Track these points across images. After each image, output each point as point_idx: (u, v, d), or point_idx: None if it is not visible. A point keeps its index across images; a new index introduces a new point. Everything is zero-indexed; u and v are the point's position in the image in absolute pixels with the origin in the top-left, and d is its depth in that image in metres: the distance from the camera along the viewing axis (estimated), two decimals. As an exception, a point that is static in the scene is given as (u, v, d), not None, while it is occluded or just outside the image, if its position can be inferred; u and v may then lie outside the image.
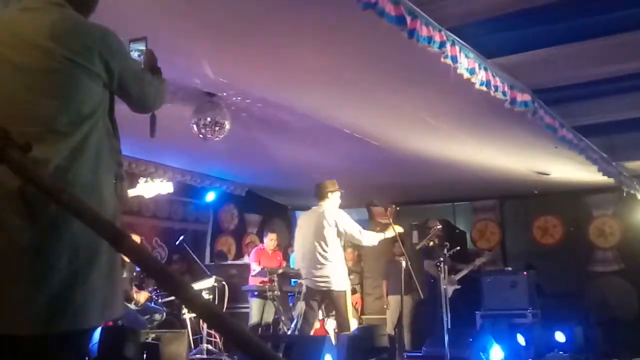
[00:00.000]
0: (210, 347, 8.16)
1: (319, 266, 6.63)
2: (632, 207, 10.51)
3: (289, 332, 8.17)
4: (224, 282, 8.68)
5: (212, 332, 8.15)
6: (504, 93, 5.51)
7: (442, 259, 7.46)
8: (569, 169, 8.84)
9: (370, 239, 6.90)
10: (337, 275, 6.66)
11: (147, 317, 7.53)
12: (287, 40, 4.97)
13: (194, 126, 6.58)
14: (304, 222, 6.98)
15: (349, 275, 7.45)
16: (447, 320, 7.24)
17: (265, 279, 8.44)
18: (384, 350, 6.61)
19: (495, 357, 7.11)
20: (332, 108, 6.70)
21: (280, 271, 8.59)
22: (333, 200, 6.86)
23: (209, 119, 6.52)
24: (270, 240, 9.66)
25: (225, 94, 6.33)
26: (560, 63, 5.81)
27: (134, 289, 7.90)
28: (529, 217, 11.63)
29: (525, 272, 9.68)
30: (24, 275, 1.95)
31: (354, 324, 7.65)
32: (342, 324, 6.75)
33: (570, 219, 11.21)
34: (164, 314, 7.93)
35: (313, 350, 5.60)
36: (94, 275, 2.05)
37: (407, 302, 9.15)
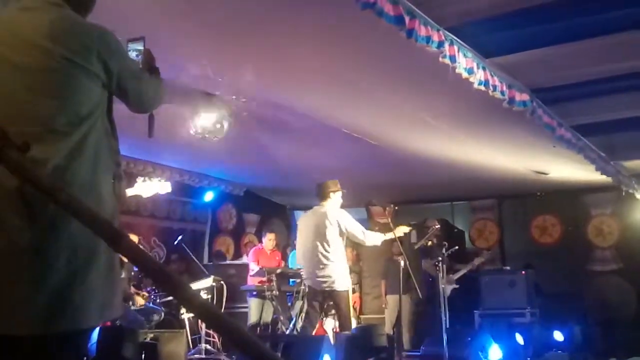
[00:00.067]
0: (208, 346, 8.15)
1: (321, 266, 6.63)
2: (631, 206, 10.53)
3: (287, 332, 8.17)
4: (222, 282, 8.68)
5: (211, 331, 8.14)
6: (502, 92, 5.52)
7: (440, 258, 7.47)
8: (568, 169, 8.85)
9: (374, 239, 6.90)
10: (339, 275, 6.67)
11: (145, 317, 7.52)
12: (286, 40, 4.97)
13: (193, 126, 6.58)
14: (305, 222, 6.98)
15: (348, 274, 7.45)
16: (446, 320, 7.24)
17: (264, 279, 8.44)
18: (383, 349, 6.61)
19: (493, 357, 7.10)
20: (331, 108, 6.70)
21: (278, 271, 8.59)
22: (335, 200, 6.86)
23: (207, 118, 6.51)
24: (268, 240, 9.66)
25: (224, 93, 6.32)
26: (558, 62, 5.81)
27: (133, 289, 7.91)
28: (528, 216, 11.65)
29: (523, 272, 9.68)
30: (23, 275, 1.95)
31: (352, 324, 7.65)
32: (344, 324, 6.75)
33: (568, 218, 11.23)
34: (162, 313, 7.92)
35: (311, 350, 5.60)
36: (93, 275, 2.05)
37: (406, 302, 9.16)
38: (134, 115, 2.45)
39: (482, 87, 5.20)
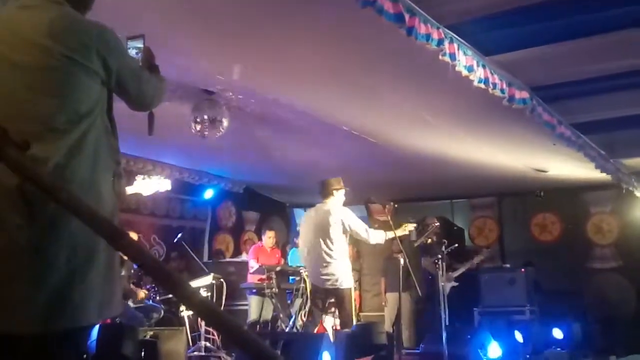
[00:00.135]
0: (208, 344, 8.15)
1: (324, 264, 6.64)
2: (630, 204, 10.53)
3: (287, 330, 8.18)
4: (222, 280, 8.68)
5: (210, 329, 8.14)
6: (502, 90, 5.51)
7: (440, 256, 7.47)
8: (567, 166, 8.85)
9: (377, 237, 6.90)
10: (343, 272, 6.68)
11: (145, 314, 7.53)
12: (286, 38, 4.96)
13: (192, 124, 6.57)
14: (308, 219, 6.97)
15: (348, 272, 7.46)
16: (445, 318, 7.25)
17: (264, 277, 8.45)
18: (382, 347, 6.61)
19: (493, 354, 7.11)
20: (331, 106, 6.70)
21: (278, 269, 8.61)
22: (338, 197, 6.87)
23: (207, 116, 6.51)
24: (268, 238, 9.66)
25: (223, 91, 6.32)
26: (558, 60, 5.81)
27: (132, 286, 7.91)
28: (527, 214, 11.64)
29: (523, 269, 9.69)
30: (23, 274, 1.95)
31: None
32: (346, 322, 6.77)
33: (568, 216, 11.22)
34: (162, 311, 7.93)
35: (311, 347, 5.60)
36: (93, 273, 2.05)
37: (406, 300, 9.16)
38: (133, 113, 2.45)
39: (482, 85, 5.20)
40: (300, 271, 8.42)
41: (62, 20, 2.12)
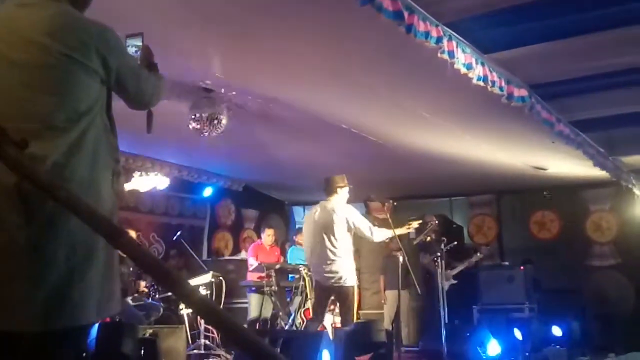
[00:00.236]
0: (207, 342, 8.17)
1: (328, 262, 6.65)
2: (629, 201, 10.53)
3: (286, 327, 8.19)
4: (221, 278, 8.69)
5: (210, 327, 8.15)
6: (500, 88, 5.51)
7: (439, 254, 7.47)
8: (566, 164, 8.85)
9: (380, 235, 6.91)
10: (346, 270, 6.70)
11: (144, 312, 7.53)
12: (285, 36, 4.96)
13: (191, 122, 6.57)
14: (312, 217, 6.97)
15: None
16: (445, 315, 7.25)
17: (263, 274, 8.46)
18: (382, 345, 6.62)
19: (492, 352, 7.12)
20: (330, 104, 6.69)
21: (277, 266, 8.62)
22: (342, 195, 6.88)
23: (205, 114, 6.51)
24: (267, 236, 9.67)
25: (222, 89, 6.32)
26: (556, 58, 5.80)
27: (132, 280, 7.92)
28: (526, 212, 11.64)
29: (522, 267, 9.70)
30: (22, 272, 1.95)
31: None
32: (347, 320, 6.79)
33: (567, 214, 11.22)
34: (162, 309, 7.94)
35: (310, 345, 5.60)
36: (92, 272, 2.05)
37: (405, 297, 9.16)
38: (132, 111, 2.44)
39: (481, 83, 5.20)
40: (300, 269, 8.44)
41: (61, 18, 2.12)
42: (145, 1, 4.30)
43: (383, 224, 7.13)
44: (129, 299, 7.51)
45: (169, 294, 7.79)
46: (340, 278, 6.65)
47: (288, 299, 8.94)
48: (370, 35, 4.79)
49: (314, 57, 5.39)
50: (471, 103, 6.28)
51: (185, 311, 8.16)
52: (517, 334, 8.13)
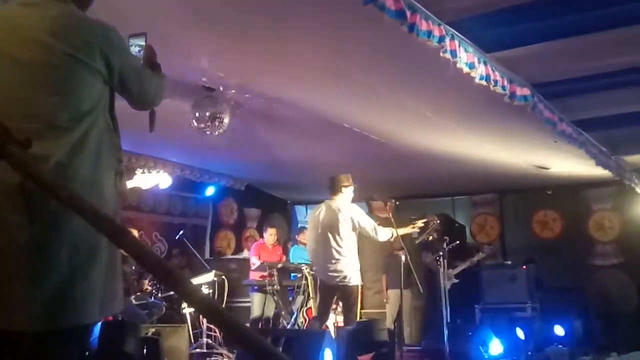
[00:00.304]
0: (210, 341, 8.19)
1: (333, 261, 6.66)
2: (632, 200, 10.52)
3: (288, 327, 8.20)
4: (223, 277, 8.70)
5: (212, 326, 8.16)
6: (503, 87, 5.50)
7: (441, 253, 7.47)
8: (569, 163, 8.84)
9: (385, 235, 6.92)
10: (351, 270, 6.71)
11: (147, 311, 7.54)
12: (287, 36, 4.96)
13: (193, 121, 6.57)
14: (317, 215, 6.97)
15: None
16: (447, 314, 7.25)
17: (265, 274, 8.46)
18: (384, 344, 6.62)
19: (494, 351, 7.12)
20: (332, 103, 6.70)
21: (279, 266, 8.63)
22: (347, 194, 6.89)
23: (208, 113, 6.51)
24: (270, 236, 9.67)
25: (224, 88, 6.32)
26: (559, 57, 5.80)
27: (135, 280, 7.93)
28: (529, 211, 11.63)
29: (524, 266, 9.69)
30: (24, 272, 1.95)
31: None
32: (350, 319, 6.80)
33: (569, 213, 11.21)
34: (164, 308, 7.95)
35: (313, 344, 5.61)
36: (94, 271, 2.05)
37: (407, 297, 9.16)
38: (134, 110, 2.45)
39: (483, 82, 5.19)
40: (302, 268, 8.45)
41: (65, 18, 2.12)
42: (147, 1, 4.30)
43: (385, 223, 7.13)
44: (132, 298, 7.52)
45: (172, 293, 7.80)
46: (345, 277, 6.66)
47: (290, 298, 8.95)
48: (373, 35, 4.79)
49: (316, 57, 5.39)
50: (474, 102, 6.27)
51: (187, 310, 8.18)
52: (520, 333, 8.12)
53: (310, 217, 7.32)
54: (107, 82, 2.18)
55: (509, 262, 10.47)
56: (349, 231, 6.74)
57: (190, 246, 9.61)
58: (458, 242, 8.65)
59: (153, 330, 6.39)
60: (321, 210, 6.95)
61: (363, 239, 7.18)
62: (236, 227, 12.09)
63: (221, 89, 6.33)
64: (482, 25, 5.09)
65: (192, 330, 8.00)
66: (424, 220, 7.11)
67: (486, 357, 7.02)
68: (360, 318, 8.31)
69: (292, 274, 8.98)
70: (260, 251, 9.44)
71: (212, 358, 8.02)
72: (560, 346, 8.20)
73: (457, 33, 4.80)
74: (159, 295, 8.15)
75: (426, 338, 7.72)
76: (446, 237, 7.81)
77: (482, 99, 5.91)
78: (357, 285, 6.83)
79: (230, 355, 7.78)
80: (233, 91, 6.38)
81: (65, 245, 1.98)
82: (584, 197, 11.06)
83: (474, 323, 9.12)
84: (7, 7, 2.18)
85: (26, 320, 1.95)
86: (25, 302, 1.94)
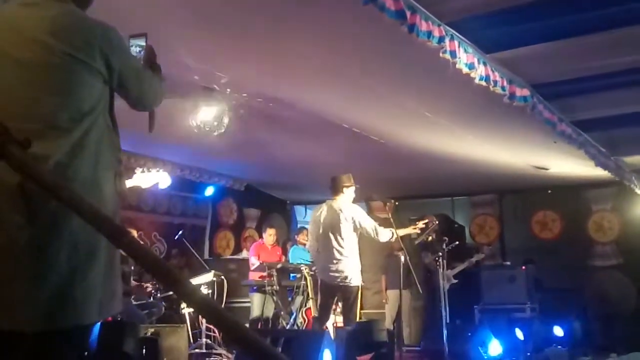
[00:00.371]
0: (209, 341, 8.18)
1: (334, 261, 6.67)
2: (631, 201, 10.52)
3: (288, 327, 8.20)
4: (222, 277, 8.70)
5: (211, 326, 8.16)
6: (503, 88, 5.50)
7: (440, 253, 7.48)
8: (568, 164, 8.84)
9: (385, 235, 6.92)
10: (352, 270, 6.71)
11: (146, 311, 7.54)
12: (287, 36, 4.96)
13: (193, 121, 6.58)
14: (319, 215, 6.97)
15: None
16: (446, 315, 7.26)
17: (265, 274, 8.46)
18: (383, 345, 6.62)
19: (493, 352, 7.12)
20: (332, 103, 6.69)
21: (279, 266, 8.63)
22: (348, 195, 6.90)
23: (207, 113, 6.51)
24: (269, 236, 9.67)
25: (224, 89, 6.32)
26: (559, 58, 5.80)
27: (135, 283, 7.93)
28: (528, 211, 11.63)
29: (523, 267, 9.70)
30: (24, 272, 1.95)
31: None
32: (350, 319, 6.80)
33: (569, 214, 11.21)
34: (163, 308, 7.95)
35: (312, 345, 5.61)
36: (94, 271, 2.05)
37: (406, 297, 9.16)
38: (134, 110, 2.44)
39: (483, 83, 5.19)
40: (301, 268, 8.45)
41: (65, 18, 2.12)
42: (147, 1, 4.30)
43: (385, 223, 7.13)
44: (131, 298, 7.52)
45: (171, 293, 7.80)
46: (346, 277, 6.67)
47: (289, 299, 8.95)
48: (372, 35, 4.79)
49: (316, 57, 5.39)
50: (473, 103, 6.27)
51: (186, 310, 8.17)
52: (519, 334, 8.13)
53: (311, 217, 7.31)
54: (107, 82, 2.18)
55: (508, 263, 10.48)
56: (350, 231, 6.75)
57: (190, 246, 9.61)
58: (457, 242, 8.65)
59: (152, 330, 6.39)
60: (322, 211, 6.95)
61: (362, 239, 7.19)
62: (235, 227, 12.10)
63: (221, 89, 6.33)
64: (482, 26, 5.09)
65: (191, 331, 8.00)
66: (425, 221, 7.11)
67: (485, 357, 7.02)
68: (360, 318, 8.33)
69: (292, 275, 8.99)
70: (259, 251, 9.44)
71: (211, 358, 8.02)
72: (559, 347, 8.20)
73: (456, 33, 4.80)
74: (158, 295, 8.15)
75: (425, 338, 7.73)
76: (445, 238, 7.81)
77: (481, 99, 5.91)
78: (358, 286, 6.85)
79: (230, 355, 7.78)
80: (233, 92, 6.38)
81: (65, 246, 1.98)
82: (584, 198, 11.05)
83: (473, 324, 9.12)
84: (7, 7, 2.18)
85: (26, 321, 1.95)
86: (25, 302, 1.94)
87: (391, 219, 6.90)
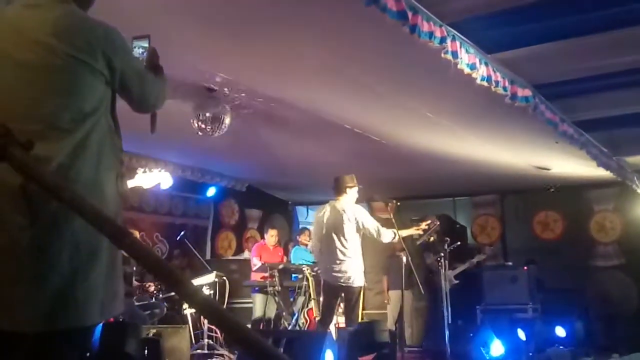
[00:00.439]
0: (211, 342, 8.17)
1: (338, 261, 6.66)
2: (633, 201, 10.52)
3: (289, 327, 8.19)
4: (224, 278, 8.70)
5: (213, 327, 8.16)
6: (504, 88, 5.50)
7: (442, 254, 7.47)
8: (570, 164, 8.84)
9: (388, 236, 6.92)
10: (355, 270, 6.71)
11: (148, 312, 7.54)
12: (289, 36, 4.96)
13: (194, 122, 6.58)
14: (322, 216, 6.97)
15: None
16: (448, 315, 7.25)
17: (266, 275, 8.46)
18: (385, 345, 6.62)
19: (495, 352, 7.12)
20: (334, 104, 6.70)
21: (280, 267, 8.62)
22: (351, 195, 6.89)
23: (209, 114, 6.52)
24: (271, 237, 9.67)
25: (226, 89, 6.32)
26: (560, 58, 5.80)
27: (137, 284, 7.93)
28: (530, 212, 11.63)
29: (525, 267, 9.69)
30: (25, 273, 1.95)
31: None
32: (352, 320, 6.80)
33: (571, 214, 11.21)
34: (165, 309, 7.95)
35: (314, 345, 5.61)
36: (95, 272, 2.05)
37: (408, 298, 9.16)
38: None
39: (485, 83, 5.19)
40: (303, 269, 8.45)
41: (68, 19, 2.12)
42: (149, 2, 4.31)
43: (386, 224, 7.13)
44: (133, 299, 7.52)
45: (173, 293, 7.80)
46: (349, 278, 6.66)
47: (291, 299, 8.95)
48: (374, 36, 4.79)
49: (317, 57, 5.39)
50: (475, 103, 6.27)
51: (188, 311, 8.17)
52: (521, 334, 8.12)
53: (314, 218, 7.31)
54: (109, 83, 2.18)
55: (510, 263, 10.47)
56: (354, 232, 6.74)
57: (191, 247, 9.61)
58: (459, 243, 8.65)
59: (154, 331, 6.39)
60: (325, 211, 6.95)
61: (364, 239, 7.19)
62: (237, 227, 12.10)
63: (222, 89, 6.33)
64: (484, 26, 5.09)
65: (193, 331, 8.00)
66: (428, 222, 7.10)
67: (487, 358, 7.02)
68: (362, 319, 8.33)
69: (293, 275, 8.98)
70: (261, 252, 9.44)
71: (213, 359, 8.02)
72: (561, 347, 8.20)
73: (458, 34, 4.80)
74: (160, 296, 8.15)
75: (427, 339, 7.73)
76: (447, 238, 7.81)
77: (483, 100, 5.91)
78: (361, 287, 6.85)
79: (232, 356, 7.77)
80: (235, 92, 6.38)
81: (67, 247, 1.98)
82: (585, 198, 11.05)
83: (475, 324, 9.11)
84: (10, 8, 2.18)
85: (27, 321, 1.95)
86: (26, 302, 1.94)
87: (393, 220, 6.89)
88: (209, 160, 9.99)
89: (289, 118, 7.16)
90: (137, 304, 7.52)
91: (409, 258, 7.03)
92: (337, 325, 7.95)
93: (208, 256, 10.97)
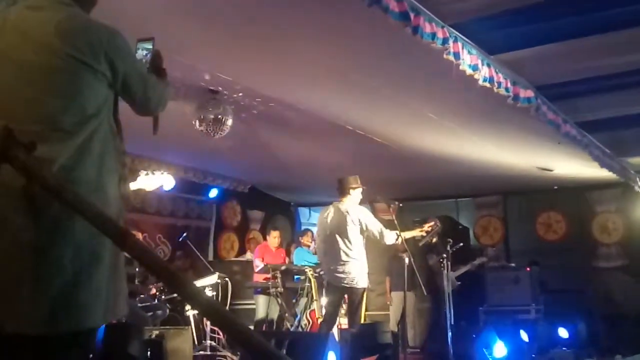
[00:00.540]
0: (213, 343, 8.18)
1: (341, 262, 6.66)
2: (636, 202, 10.51)
3: (292, 329, 8.19)
4: (227, 279, 8.70)
5: (216, 328, 8.16)
6: (507, 89, 5.50)
7: (445, 255, 7.46)
8: (572, 165, 8.83)
9: (391, 238, 6.92)
10: (359, 272, 6.71)
11: (150, 313, 7.54)
12: (292, 38, 4.96)
13: (197, 123, 6.58)
14: (326, 217, 6.97)
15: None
16: (451, 317, 7.24)
17: (269, 276, 8.46)
18: (387, 346, 6.63)
19: (498, 353, 7.11)
20: (336, 105, 6.70)
21: (283, 268, 8.62)
22: (355, 196, 6.90)
23: (211, 115, 6.52)
24: (273, 238, 9.67)
25: (228, 91, 6.33)
26: (562, 59, 5.80)
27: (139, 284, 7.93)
28: (532, 213, 11.62)
29: (528, 268, 9.68)
30: (27, 275, 1.94)
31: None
32: (355, 321, 6.79)
33: (573, 215, 11.20)
34: (168, 310, 7.94)
35: (316, 347, 5.60)
36: (98, 274, 2.04)
37: (410, 299, 9.14)
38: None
39: (487, 84, 5.19)
40: (305, 270, 8.44)
41: (70, 21, 2.11)
42: (151, 3, 4.31)
43: (389, 225, 7.12)
44: (136, 300, 7.52)
45: (175, 295, 7.80)
46: (353, 279, 6.66)
47: (294, 300, 8.95)
48: (376, 37, 4.79)
49: (319, 59, 5.39)
50: (477, 104, 6.27)
51: (191, 312, 8.17)
52: (524, 335, 8.11)
53: (318, 219, 7.31)
54: (112, 85, 2.17)
55: (513, 264, 10.46)
56: (357, 233, 6.74)
57: (194, 248, 9.62)
58: (462, 244, 8.64)
59: (157, 332, 6.38)
60: (329, 212, 6.95)
61: (367, 240, 7.19)
62: (239, 229, 12.10)
63: (224, 91, 6.34)
64: (486, 27, 5.09)
65: (196, 333, 8.00)
66: (431, 224, 7.09)
67: (490, 359, 7.01)
68: (364, 320, 8.32)
69: (296, 276, 8.98)
70: (263, 253, 9.44)
71: (216, 360, 8.02)
72: (564, 348, 8.20)
73: (460, 35, 4.80)
74: (163, 297, 8.15)
75: (430, 340, 7.71)
76: (450, 240, 7.80)
77: (485, 100, 5.91)
78: (364, 288, 6.85)
79: (234, 357, 7.77)
80: (237, 94, 6.38)
81: (69, 248, 1.97)
82: (588, 199, 11.04)
83: (477, 325, 9.11)
84: (13, 9, 2.17)
85: (30, 324, 1.94)
86: (29, 305, 1.94)
87: (395, 221, 6.89)
88: (212, 162, 9.99)
89: (291, 119, 7.16)
90: (139, 305, 7.51)
91: (412, 259, 7.02)
92: (339, 327, 7.95)
93: (210, 257, 10.97)
